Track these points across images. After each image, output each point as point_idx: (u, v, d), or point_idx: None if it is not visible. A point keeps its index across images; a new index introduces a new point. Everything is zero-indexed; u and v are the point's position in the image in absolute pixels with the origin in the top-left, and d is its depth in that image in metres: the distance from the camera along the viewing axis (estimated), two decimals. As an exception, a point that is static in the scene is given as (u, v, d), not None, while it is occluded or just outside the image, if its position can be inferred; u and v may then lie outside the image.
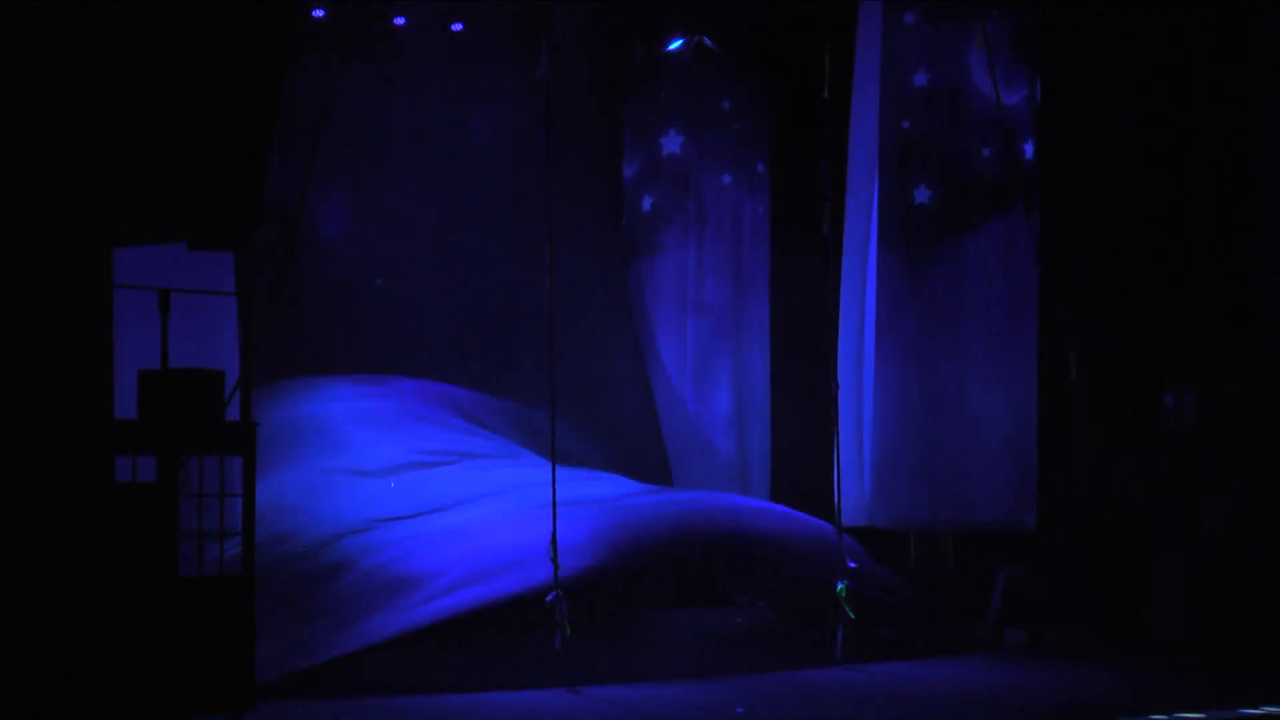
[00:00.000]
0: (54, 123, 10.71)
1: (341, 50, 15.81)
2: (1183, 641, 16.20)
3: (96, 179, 10.90)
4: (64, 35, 10.67)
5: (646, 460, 18.20)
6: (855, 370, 17.95)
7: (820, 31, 16.05)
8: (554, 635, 13.71)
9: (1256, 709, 12.38)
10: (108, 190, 10.99)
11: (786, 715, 12.96)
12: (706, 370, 19.59)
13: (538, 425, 16.02)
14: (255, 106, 11.44)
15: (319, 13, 16.58)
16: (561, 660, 13.71)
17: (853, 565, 15.07)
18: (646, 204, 19.65)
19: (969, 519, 17.40)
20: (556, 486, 14.15)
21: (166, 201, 11.35)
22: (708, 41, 19.29)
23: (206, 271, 13.17)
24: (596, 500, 15.38)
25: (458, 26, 17.76)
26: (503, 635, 14.05)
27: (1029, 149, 17.22)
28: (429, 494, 15.47)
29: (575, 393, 17.49)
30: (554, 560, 13.86)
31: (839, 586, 14.87)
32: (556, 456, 14.59)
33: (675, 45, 19.32)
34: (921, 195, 17.63)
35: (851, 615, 14.84)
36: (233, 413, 12.16)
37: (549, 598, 13.79)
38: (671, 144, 19.53)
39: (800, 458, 19.07)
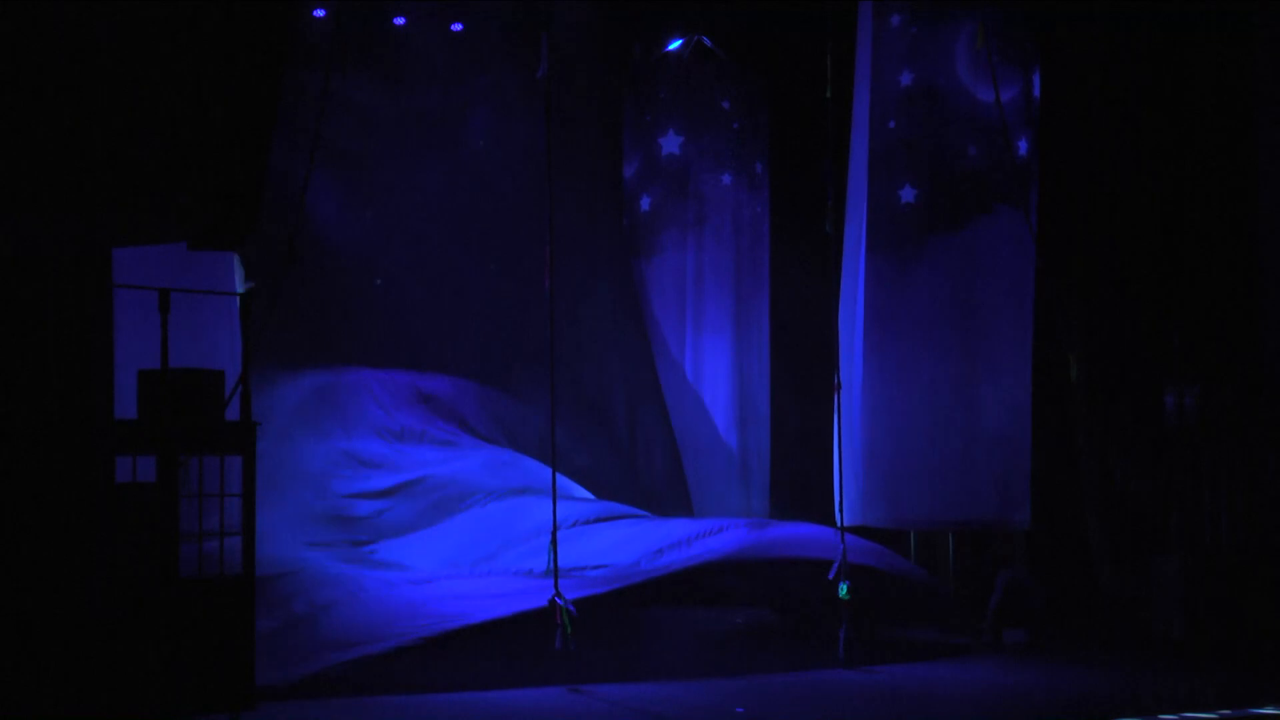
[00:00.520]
0: (54, 122, 10.70)
1: (341, 50, 15.79)
2: (1183, 641, 16.19)
3: (96, 179, 10.89)
4: (64, 35, 10.67)
5: (660, 461, 18.19)
6: (850, 370, 17.95)
7: (820, 31, 16.05)
8: (554, 635, 13.71)
9: (1256, 709, 12.38)
10: (108, 190, 10.98)
11: (787, 715, 12.95)
12: (706, 370, 19.60)
13: (539, 428, 16.01)
14: (255, 106, 11.44)
15: (319, 12, 16.58)
16: (562, 660, 13.72)
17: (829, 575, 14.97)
18: (645, 204, 19.64)
19: (957, 518, 17.38)
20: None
21: (166, 201, 11.35)
22: (707, 41, 19.29)
23: (202, 271, 13.16)
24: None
25: (458, 26, 17.75)
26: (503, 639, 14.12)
27: (1023, 146, 17.20)
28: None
29: (580, 393, 17.53)
30: (553, 559, 13.87)
31: (841, 587, 14.86)
32: (571, 474, 14.65)
33: (675, 45, 19.33)
34: (907, 195, 17.63)
35: (852, 615, 14.85)
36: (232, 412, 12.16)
37: (549, 597, 13.79)
38: (671, 144, 19.53)
39: (800, 457, 19.10)
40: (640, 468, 18.15)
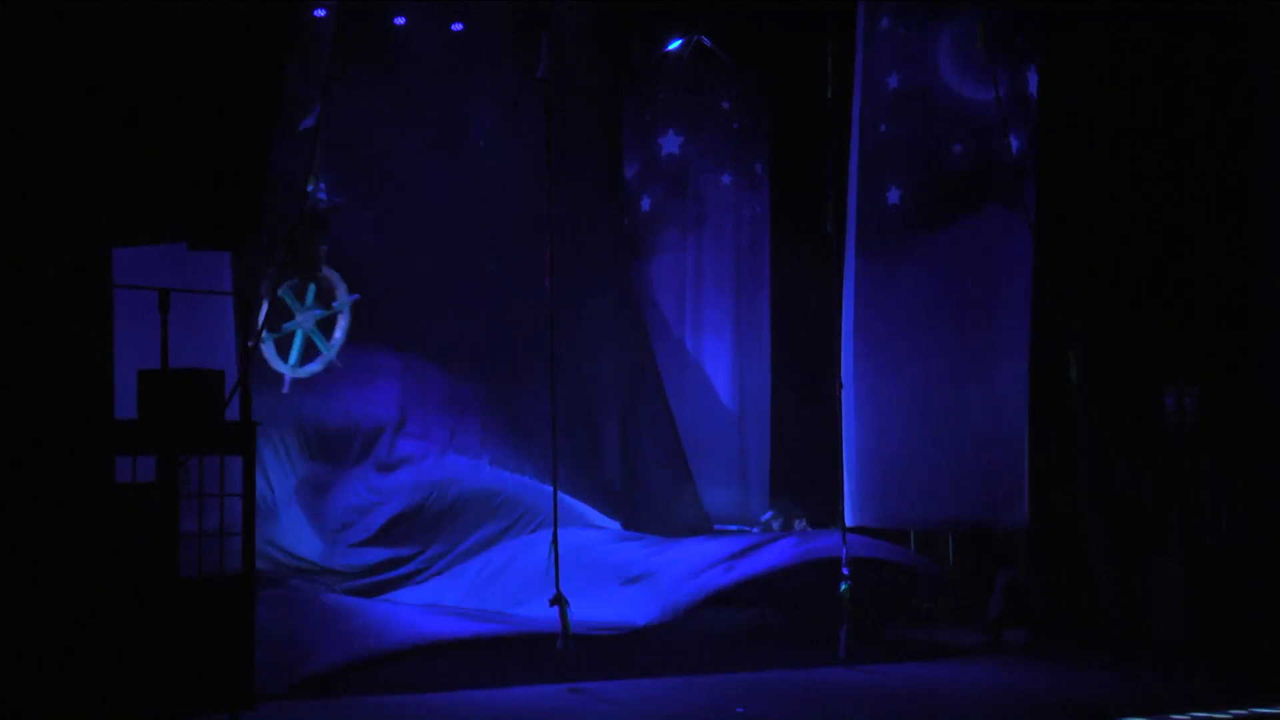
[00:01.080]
0: (54, 123, 10.72)
1: (342, 50, 15.79)
2: (1183, 641, 16.19)
3: (96, 179, 10.91)
4: (64, 35, 10.68)
5: (666, 460, 18.20)
6: (847, 370, 17.98)
7: (820, 32, 16.05)
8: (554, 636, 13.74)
9: (1256, 709, 12.39)
10: (108, 190, 11.00)
11: (787, 715, 12.95)
12: (706, 370, 19.59)
13: (539, 431, 16.00)
14: (255, 106, 11.45)
15: (320, 12, 16.57)
16: (563, 659, 13.74)
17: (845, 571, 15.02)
18: (646, 204, 19.65)
19: (948, 518, 17.39)
20: None
21: (166, 201, 11.36)
22: (707, 41, 19.29)
23: (202, 271, 13.15)
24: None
25: (458, 26, 17.75)
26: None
27: (1015, 143, 17.22)
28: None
29: (581, 394, 17.53)
30: (554, 561, 13.87)
31: (842, 587, 14.88)
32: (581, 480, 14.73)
33: (675, 45, 19.32)
34: (893, 196, 17.69)
35: (853, 615, 14.86)
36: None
37: (549, 598, 13.80)
38: (671, 144, 19.54)
39: (800, 457, 19.10)
40: (641, 469, 18.13)
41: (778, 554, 15.57)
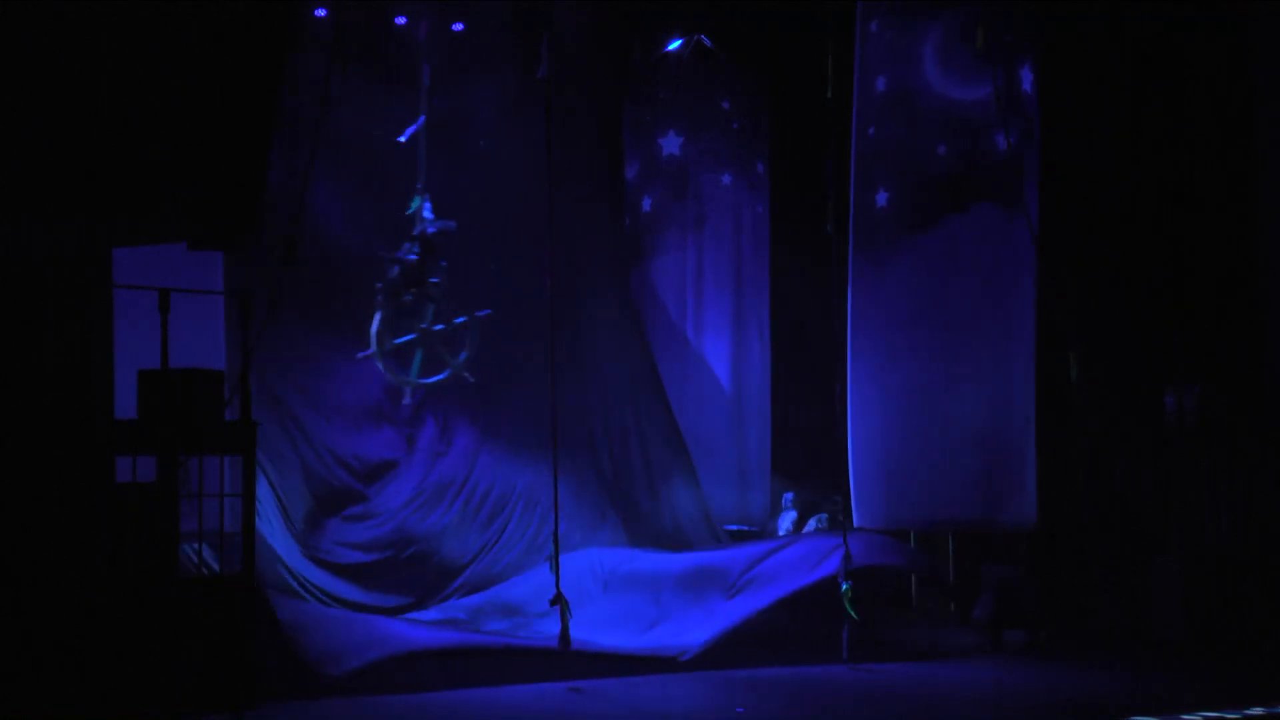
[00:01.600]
0: (54, 123, 10.72)
1: (342, 50, 15.79)
2: (1183, 641, 16.20)
3: (96, 179, 10.91)
4: (64, 35, 10.68)
5: (671, 464, 18.20)
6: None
7: (820, 32, 16.05)
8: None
9: (1256, 709, 12.39)
10: (108, 190, 11.00)
11: (788, 714, 12.95)
12: (707, 370, 19.59)
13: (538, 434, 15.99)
14: (255, 106, 11.45)
15: (320, 12, 16.57)
16: (563, 657, 13.77)
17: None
18: (647, 205, 19.64)
19: (940, 518, 17.39)
20: None
21: (166, 201, 11.36)
22: (707, 41, 19.29)
23: (194, 271, 13.13)
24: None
25: (458, 26, 17.74)
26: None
27: (1000, 142, 17.24)
28: None
29: (587, 397, 17.53)
30: (554, 564, 13.89)
31: (843, 587, 14.88)
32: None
33: (675, 45, 19.32)
34: (881, 199, 17.75)
35: (855, 615, 14.86)
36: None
37: (548, 598, 13.82)
38: (671, 144, 19.53)
39: (800, 458, 19.11)
40: (646, 476, 18.14)
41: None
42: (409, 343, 15.99)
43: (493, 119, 17.79)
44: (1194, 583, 16.41)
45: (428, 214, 15.74)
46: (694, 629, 15.12)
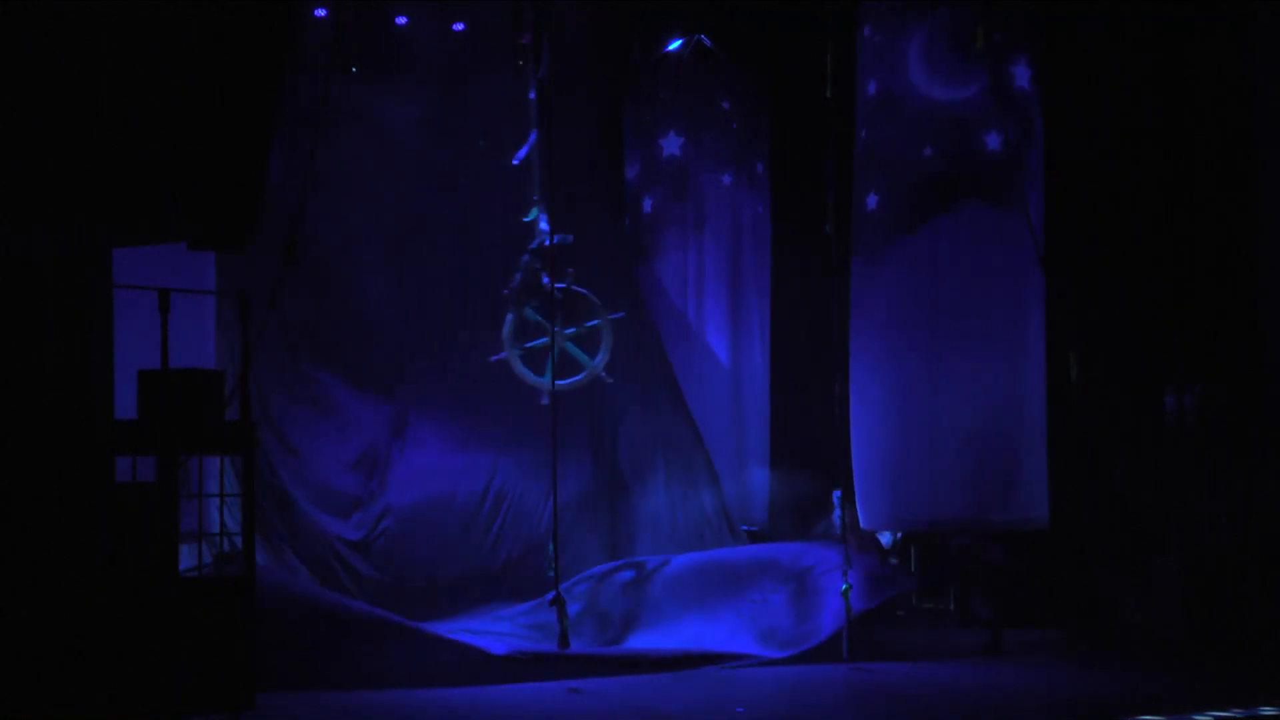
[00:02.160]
0: (54, 123, 10.71)
1: (342, 50, 15.80)
2: (1183, 641, 16.19)
3: (96, 179, 10.90)
4: (64, 35, 10.67)
5: (688, 465, 18.23)
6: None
7: (820, 31, 16.05)
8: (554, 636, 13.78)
9: (1256, 709, 12.38)
10: (108, 190, 10.99)
11: (787, 714, 12.95)
12: (708, 370, 19.59)
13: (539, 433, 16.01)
14: (255, 106, 11.44)
15: (320, 12, 16.58)
16: (562, 656, 13.79)
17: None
18: (648, 205, 19.64)
19: (933, 518, 17.43)
20: None
21: (166, 201, 11.35)
22: (707, 41, 19.29)
23: (182, 270, 13.11)
24: None
25: (459, 26, 17.75)
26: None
27: (992, 140, 17.27)
28: None
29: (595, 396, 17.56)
30: (554, 562, 13.89)
31: (841, 587, 14.90)
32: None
33: (675, 45, 19.32)
34: (872, 202, 17.83)
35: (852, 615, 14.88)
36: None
37: (548, 597, 13.82)
38: (671, 145, 19.53)
39: (801, 458, 19.11)
40: (665, 476, 18.16)
41: None
42: (541, 346, 16.10)
43: (492, 119, 17.78)
44: (1194, 583, 16.40)
45: (544, 225, 15.95)
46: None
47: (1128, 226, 17.52)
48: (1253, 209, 17.03)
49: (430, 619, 15.56)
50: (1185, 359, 17.01)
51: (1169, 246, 17.38)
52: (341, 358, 17.02)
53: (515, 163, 16.23)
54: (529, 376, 16.07)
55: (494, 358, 16.03)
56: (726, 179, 19.67)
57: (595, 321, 16.23)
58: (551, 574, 14.61)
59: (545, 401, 15.98)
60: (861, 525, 17.66)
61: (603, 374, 16.19)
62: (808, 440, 18.44)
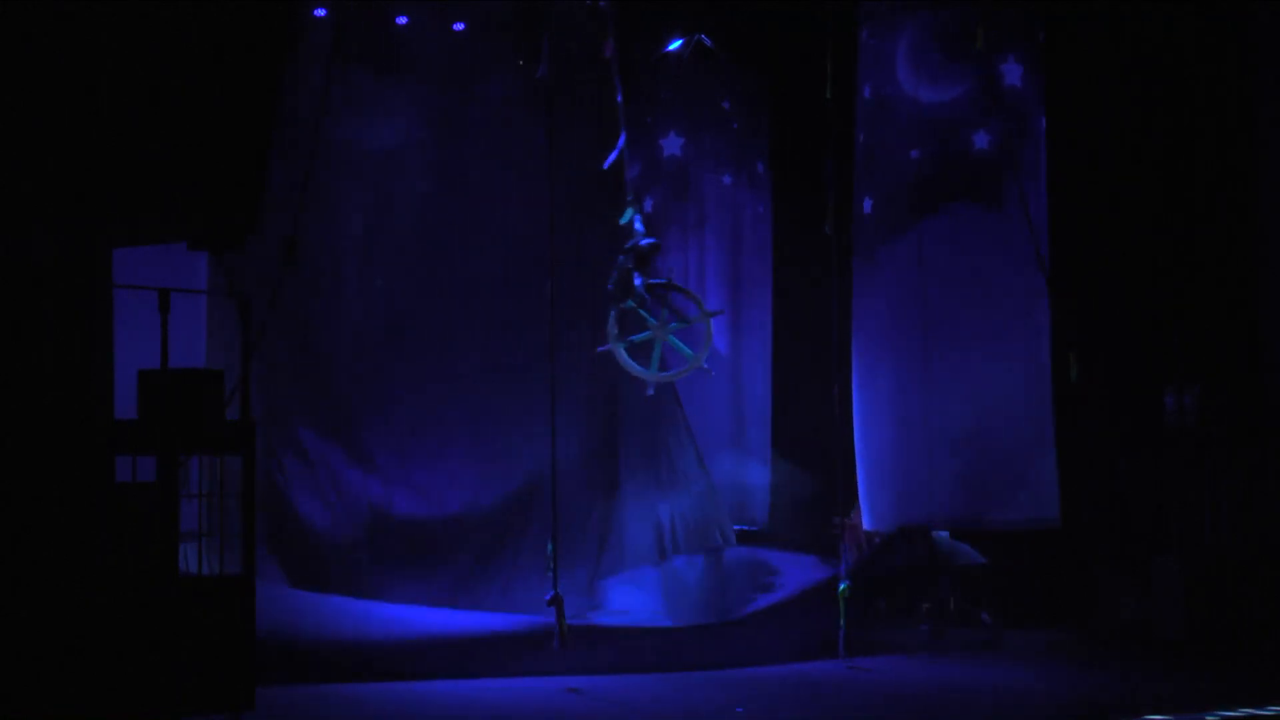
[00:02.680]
0: (54, 123, 10.72)
1: (342, 50, 15.79)
2: (1183, 641, 16.19)
3: (96, 179, 10.91)
4: (64, 35, 10.68)
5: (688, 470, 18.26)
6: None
7: (820, 31, 16.05)
8: (553, 635, 13.78)
9: (1256, 709, 12.39)
10: (108, 190, 11.00)
11: (786, 713, 12.95)
12: (708, 375, 19.57)
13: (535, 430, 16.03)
14: (255, 106, 11.45)
15: (320, 12, 16.57)
16: (561, 654, 13.81)
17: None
18: (648, 206, 19.64)
19: (928, 519, 17.49)
20: None
21: (166, 202, 11.36)
22: (707, 41, 19.28)
23: (176, 270, 13.12)
24: None
25: (459, 26, 17.74)
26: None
27: (980, 139, 17.30)
28: None
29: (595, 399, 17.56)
30: (553, 561, 13.89)
31: (840, 586, 14.92)
32: None
33: (675, 45, 19.31)
34: (867, 205, 17.98)
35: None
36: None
37: (546, 597, 13.82)
38: (672, 145, 19.52)
39: (802, 459, 19.12)
40: (663, 481, 18.18)
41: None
42: (644, 340, 16.36)
43: (492, 118, 17.78)
44: (1194, 583, 16.40)
45: (639, 227, 16.21)
46: None
47: (1128, 226, 17.52)
48: (1253, 209, 17.04)
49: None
50: (1185, 359, 17.01)
51: (1169, 247, 17.38)
52: (337, 358, 17.02)
53: (605, 167, 16.42)
54: (634, 368, 16.38)
55: (600, 349, 16.24)
56: (727, 179, 19.66)
57: (695, 312, 16.47)
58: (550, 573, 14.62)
59: (650, 393, 16.34)
60: (865, 526, 17.71)
61: (704, 366, 16.43)
62: (809, 440, 18.44)
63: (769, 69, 19.72)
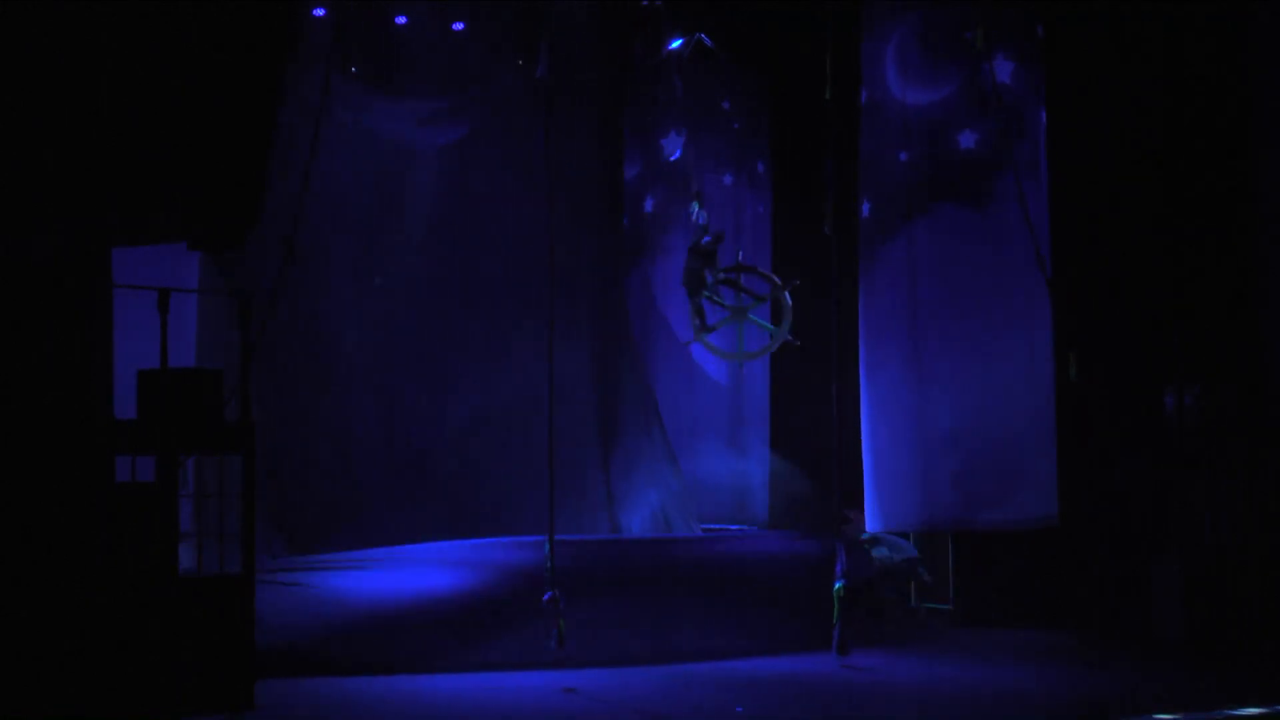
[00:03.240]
0: (55, 123, 10.72)
1: (341, 50, 15.79)
2: (1183, 641, 16.19)
3: (96, 179, 10.92)
4: (64, 35, 10.68)
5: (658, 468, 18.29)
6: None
7: (820, 32, 16.04)
8: (551, 635, 13.79)
9: (1256, 708, 12.38)
10: (108, 190, 11.01)
11: (785, 712, 12.95)
12: (710, 370, 19.58)
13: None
14: (255, 106, 11.46)
15: (319, 12, 16.57)
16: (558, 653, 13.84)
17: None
18: (649, 205, 19.65)
19: (929, 519, 17.53)
20: None
21: (166, 201, 11.37)
22: (707, 41, 19.29)
23: (166, 270, 13.11)
24: None
25: (459, 26, 17.74)
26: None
27: (967, 139, 17.33)
28: None
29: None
30: (550, 561, 13.89)
31: (836, 585, 14.92)
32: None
33: (675, 45, 19.32)
34: (865, 209, 18.10)
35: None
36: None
37: (545, 598, 13.82)
38: (672, 145, 19.53)
39: (801, 458, 19.12)
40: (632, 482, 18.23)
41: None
42: (726, 320, 16.86)
43: (492, 118, 17.78)
44: (1194, 583, 16.40)
45: (701, 220, 16.81)
46: None
47: (1128, 226, 17.50)
48: (1253, 209, 17.02)
49: None
50: (1185, 359, 16.99)
51: (1169, 246, 17.36)
52: (345, 349, 17.04)
53: (671, 159, 16.53)
54: (721, 352, 16.99)
55: (683, 341, 16.63)
56: (728, 179, 19.68)
57: (769, 289, 16.89)
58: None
59: (740, 368, 17.10)
60: (867, 527, 17.75)
61: (789, 338, 16.54)
62: (808, 440, 18.45)
63: (769, 69, 19.74)
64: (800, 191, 18.99)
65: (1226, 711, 12.34)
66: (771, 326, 16.72)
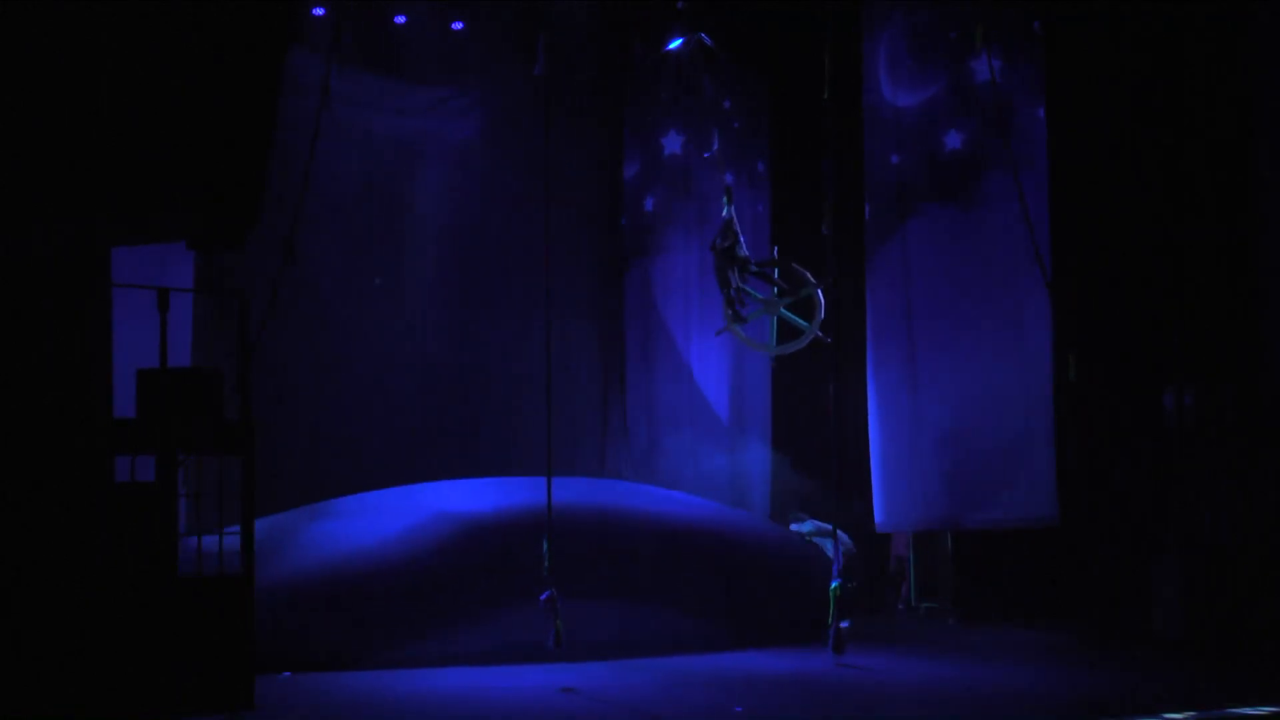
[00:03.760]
0: (54, 123, 10.72)
1: (341, 49, 15.81)
2: (1183, 641, 16.19)
3: (96, 179, 10.91)
4: (64, 35, 10.68)
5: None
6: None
7: (820, 32, 16.04)
8: (548, 634, 13.81)
9: (1257, 708, 12.38)
10: (108, 190, 11.00)
11: (783, 712, 12.94)
12: (710, 369, 19.59)
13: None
14: (255, 106, 11.46)
15: (319, 11, 16.58)
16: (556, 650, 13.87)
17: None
18: (649, 204, 19.65)
19: (926, 519, 17.57)
20: None
21: (166, 201, 11.37)
22: (707, 41, 19.29)
23: (161, 269, 13.12)
24: None
25: (458, 25, 17.75)
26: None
27: (954, 139, 17.35)
28: None
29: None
30: (548, 560, 13.88)
31: (833, 584, 14.94)
32: None
33: (675, 45, 19.32)
34: (867, 212, 18.25)
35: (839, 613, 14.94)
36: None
37: (543, 597, 13.82)
38: (672, 144, 19.53)
39: (801, 457, 19.12)
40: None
41: None
42: (759, 313, 16.72)
43: (491, 117, 17.79)
44: (1194, 582, 16.40)
45: (726, 216, 16.59)
46: None
47: (1127, 226, 17.50)
48: (1252, 209, 17.01)
49: None
50: (1185, 359, 16.99)
51: (1168, 246, 17.36)
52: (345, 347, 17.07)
53: (706, 156, 16.56)
54: (753, 344, 16.97)
55: (717, 332, 16.66)
56: (728, 178, 19.67)
57: (805, 290, 16.71)
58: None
59: (770, 361, 17.21)
60: (876, 525, 17.84)
61: (819, 334, 16.57)
62: (808, 437, 18.46)
63: (769, 69, 19.75)
64: (800, 191, 18.99)
65: (1226, 711, 12.34)
66: (803, 322, 16.77)
